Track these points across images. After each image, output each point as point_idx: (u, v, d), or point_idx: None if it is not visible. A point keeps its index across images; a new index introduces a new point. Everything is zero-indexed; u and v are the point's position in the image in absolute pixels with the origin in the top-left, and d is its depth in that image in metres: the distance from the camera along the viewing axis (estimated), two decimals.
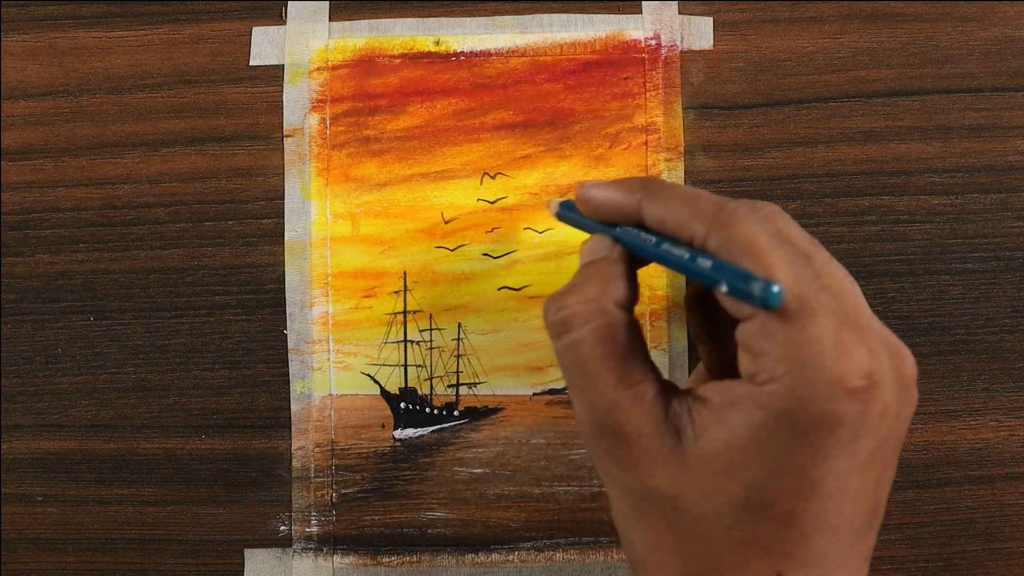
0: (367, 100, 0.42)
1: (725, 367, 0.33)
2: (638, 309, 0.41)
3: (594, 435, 0.30)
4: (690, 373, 0.40)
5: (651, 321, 0.41)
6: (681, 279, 0.41)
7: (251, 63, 0.42)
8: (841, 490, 0.27)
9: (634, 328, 0.31)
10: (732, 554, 0.28)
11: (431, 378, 0.42)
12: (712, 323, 0.33)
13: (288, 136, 0.42)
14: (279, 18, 0.43)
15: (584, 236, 0.34)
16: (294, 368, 0.42)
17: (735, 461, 0.28)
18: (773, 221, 0.30)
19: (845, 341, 0.27)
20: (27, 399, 0.42)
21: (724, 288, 0.28)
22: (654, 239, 0.31)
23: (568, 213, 0.35)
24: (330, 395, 0.42)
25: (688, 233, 0.30)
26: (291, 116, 0.42)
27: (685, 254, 0.29)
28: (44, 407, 0.42)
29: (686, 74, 0.42)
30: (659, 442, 0.29)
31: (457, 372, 0.42)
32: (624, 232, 0.32)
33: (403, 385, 0.42)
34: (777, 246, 0.28)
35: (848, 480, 0.27)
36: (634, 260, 0.32)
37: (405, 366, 0.42)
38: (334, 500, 0.41)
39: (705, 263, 0.29)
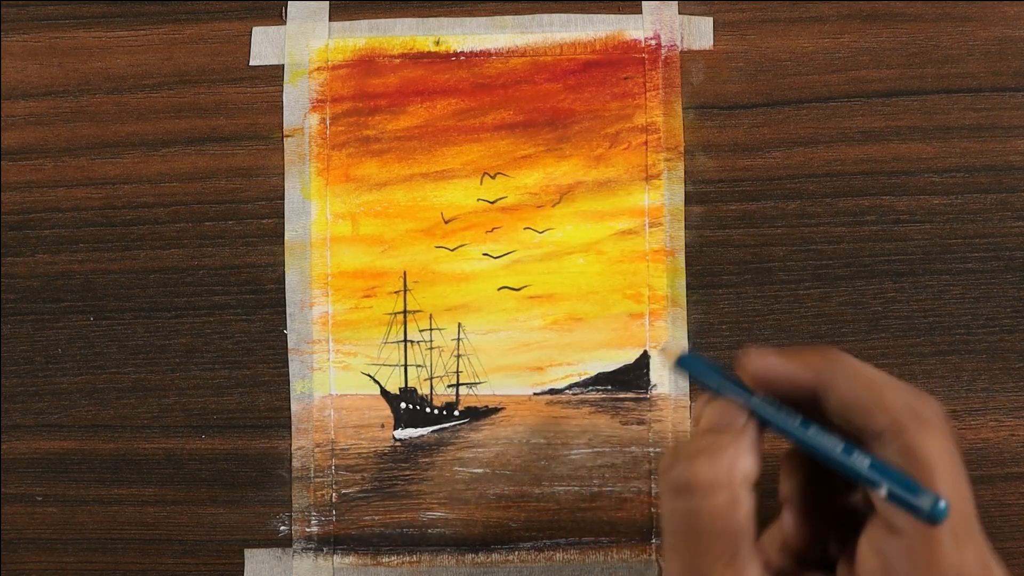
0: (367, 100, 0.42)
1: (810, 538, 0.31)
2: (638, 309, 0.41)
3: None
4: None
5: (651, 321, 0.41)
6: (680, 280, 0.41)
7: (251, 63, 0.42)
8: None
9: (752, 512, 0.29)
10: None
11: (431, 378, 0.42)
12: (809, 491, 0.31)
13: (288, 136, 0.42)
14: (279, 18, 0.43)
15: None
16: (294, 368, 0.42)
17: None
18: (950, 440, 0.28)
19: None
20: (27, 399, 0.42)
21: (883, 492, 0.27)
22: (799, 421, 0.29)
23: (693, 366, 0.32)
24: (330, 395, 0.42)
25: (867, 425, 0.28)
26: (291, 116, 0.42)
27: (838, 446, 0.28)
28: (44, 407, 0.42)
29: (686, 74, 0.42)
30: None
31: (457, 372, 0.42)
32: (761, 405, 0.30)
33: (403, 385, 0.42)
34: (955, 476, 0.27)
35: None
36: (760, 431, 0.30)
37: (405, 366, 0.42)
38: (334, 500, 0.41)
39: (863, 461, 0.27)
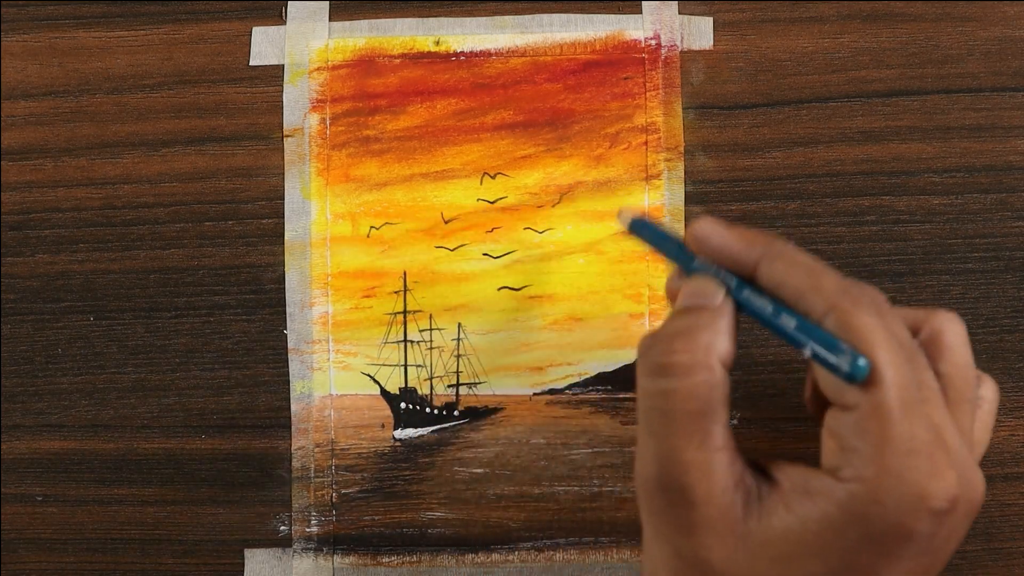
0: (367, 100, 0.42)
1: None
2: (638, 309, 0.41)
3: (655, 490, 0.29)
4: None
5: (651, 321, 0.41)
6: None
7: (251, 63, 0.42)
8: None
9: (727, 392, 0.30)
10: None
11: (431, 378, 0.42)
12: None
13: (288, 136, 0.42)
14: (279, 18, 0.43)
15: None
16: (294, 368, 0.42)
17: (797, 551, 0.27)
18: (888, 318, 0.29)
19: (938, 460, 0.27)
20: (27, 399, 0.42)
21: (808, 352, 0.28)
22: (735, 281, 0.30)
23: (645, 229, 0.33)
24: (330, 395, 0.42)
25: (804, 305, 0.29)
26: (291, 116, 0.42)
27: (768, 307, 0.29)
28: (44, 407, 0.42)
29: (686, 74, 0.42)
30: (724, 514, 0.28)
31: (457, 372, 0.42)
32: (728, 278, 0.31)
33: (403, 385, 0.42)
34: (894, 344, 0.27)
35: None
36: (737, 313, 0.31)
37: (405, 366, 0.42)
38: (334, 500, 0.41)
39: (789, 321, 0.29)
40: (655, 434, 0.29)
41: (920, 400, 0.27)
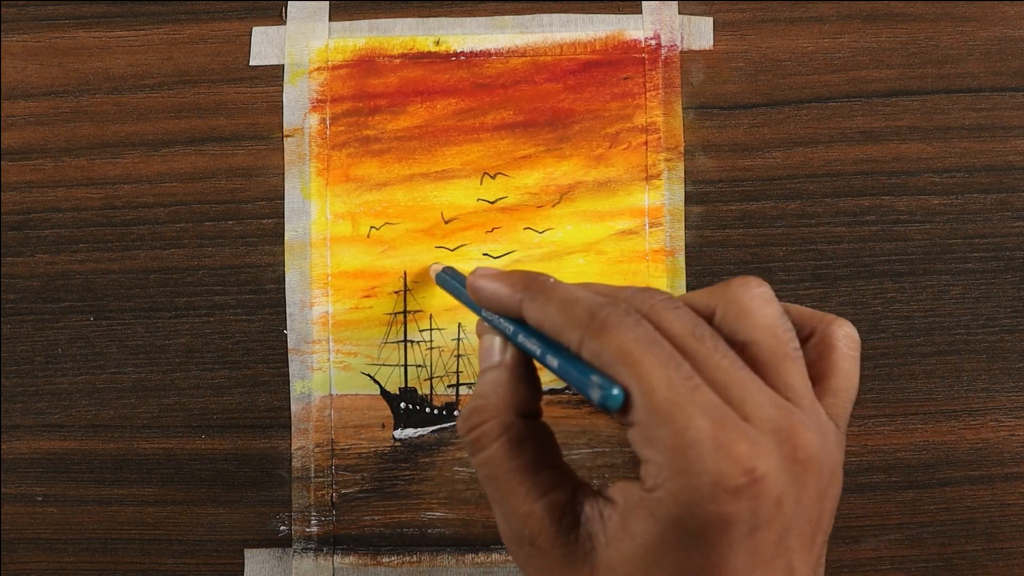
0: (367, 100, 0.42)
1: None
2: None
3: (513, 545, 0.30)
4: None
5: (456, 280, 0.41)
6: (680, 280, 0.41)
7: (251, 63, 0.42)
8: None
9: (542, 434, 0.31)
10: None
11: (431, 378, 0.42)
12: None
13: (288, 136, 0.42)
14: (279, 18, 0.43)
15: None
16: (294, 368, 0.42)
17: (639, 567, 0.28)
18: (650, 319, 0.29)
19: (723, 440, 0.26)
20: (27, 399, 0.42)
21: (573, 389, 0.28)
22: (511, 328, 0.31)
23: (449, 281, 0.35)
24: (330, 395, 0.42)
25: (565, 340, 0.29)
26: (291, 116, 0.42)
27: (537, 349, 0.30)
28: (44, 407, 0.42)
29: (686, 74, 0.42)
30: (571, 553, 0.29)
31: (457, 372, 0.42)
32: (514, 331, 0.31)
33: (403, 385, 0.42)
34: (647, 350, 0.27)
35: (751, 574, 0.27)
36: (529, 360, 0.32)
37: (405, 366, 0.42)
38: (334, 500, 0.41)
39: (552, 361, 0.29)
40: (494, 499, 0.31)
41: (691, 389, 0.27)
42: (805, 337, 0.31)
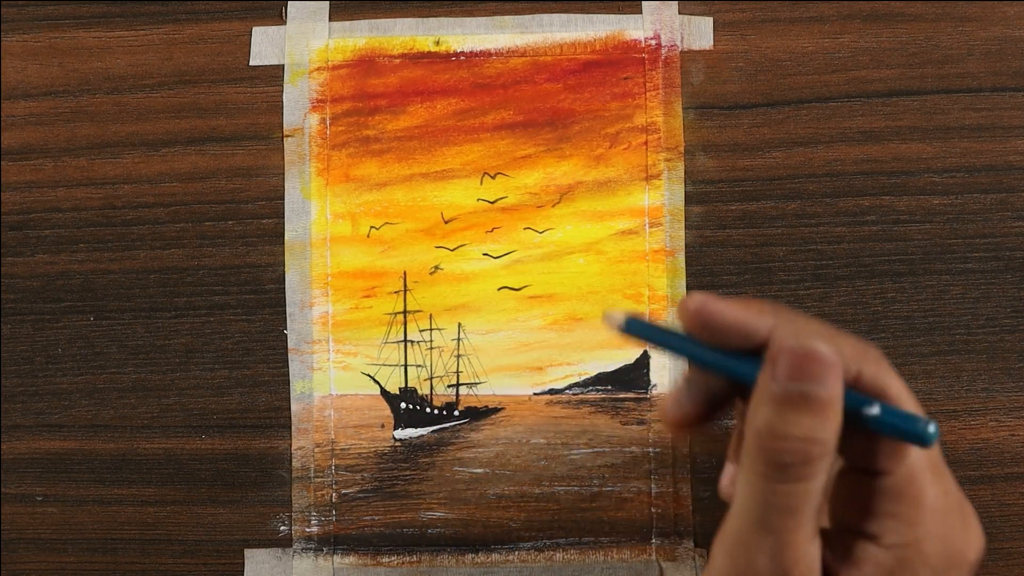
0: (367, 100, 0.42)
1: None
2: (638, 309, 0.41)
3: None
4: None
5: (651, 321, 0.41)
6: (680, 280, 0.41)
7: (251, 63, 0.42)
8: None
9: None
10: None
11: (431, 378, 0.42)
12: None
13: (288, 136, 0.42)
14: (279, 18, 0.43)
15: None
16: (294, 368, 0.42)
17: None
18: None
19: (966, 515, 0.28)
20: (27, 399, 0.42)
21: (876, 410, 0.27)
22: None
23: (642, 329, 0.31)
24: (330, 395, 0.42)
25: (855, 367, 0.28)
26: (291, 116, 0.42)
27: (875, 409, 0.27)
28: (44, 407, 0.42)
29: (686, 74, 0.42)
30: None
31: (457, 372, 0.42)
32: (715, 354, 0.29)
33: (403, 385, 0.42)
34: (913, 402, 0.28)
35: None
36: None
37: (405, 366, 0.42)
38: (334, 500, 0.41)
39: (873, 409, 0.27)
40: (774, 530, 0.27)
41: (940, 457, 0.28)
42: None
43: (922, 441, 0.27)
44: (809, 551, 0.27)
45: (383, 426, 0.42)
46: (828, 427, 0.26)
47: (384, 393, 0.42)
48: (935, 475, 0.28)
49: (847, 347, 0.28)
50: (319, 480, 0.41)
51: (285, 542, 0.41)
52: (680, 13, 0.42)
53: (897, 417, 0.27)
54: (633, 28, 0.42)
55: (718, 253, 0.41)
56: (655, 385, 0.41)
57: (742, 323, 0.28)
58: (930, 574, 0.27)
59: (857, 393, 0.27)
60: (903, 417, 0.27)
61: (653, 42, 0.42)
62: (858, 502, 0.28)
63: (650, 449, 0.41)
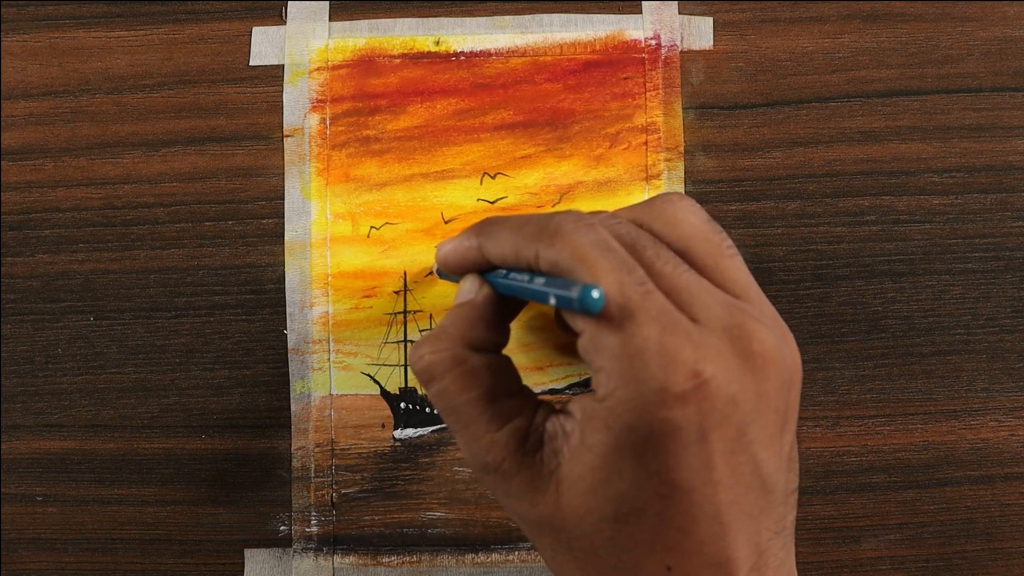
0: (367, 100, 0.42)
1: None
2: None
3: (479, 472, 0.31)
4: None
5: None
6: None
7: (251, 63, 0.42)
8: (707, 482, 0.27)
9: (500, 363, 0.31)
10: (621, 560, 0.28)
11: None
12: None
13: (288, 136, 0.42)
14: (279, 18, 0.43)
15: None
16: (294, 368, 0.42)
17: (599, 479, 0.28)
18: (602, 227, 0.29)
19: (669, 346, 0.27)
20: (27, 399, 0.42)
21: (552, 301, 0.28)
22: (503, 272, 0.32)
23: (441, 272, 0.35)
24: (330, 395, 0.42)
25: (524, 260, 0.30)
26: (291, 116, 0.42)
27: (525, 278, 0.30)
28: (44, 407, 0.42)
29: (686, 74, 0.42)
30: (536, 473, 0.29)
31: None
32: (491, 275, 0.32)
33: (403, 385, 0.42)
34: (602, 254, 0.28)
35: (712, 472, 0.27)
36: (507, 301, 0.32)
37: (405, 366, 0.42)
38: (334, 500, 0.41)
39: (539, 281, 0.29)
40: (455, 429, 0.31)
41: (642, 295, 0.28)
42: None
43: (583, 308, 0.27)
44: (495, 439, 0.30)
45: (383, 426, 0.42)
46: (433, 335, 0.31)
47: (384, 393, 0.42)
48: (625, 315, 0.27)
49: (529, 230, 0.30)
50: (319, 480, 0.41)
51: (285, 542, 0.41)
52: (680, 13, 0.42)
53: (556, 288, 0.28)
54: (633, 28, 0.42)
55: None
56: None
57: (460, 254, 0.33)
58: (635, 418, 0.27)
59: (547, 278, 0.29)
60: (560, 286, 0.28)
61: (653, 42, 0.42)
62: (589, 366, 0.29)
63: None
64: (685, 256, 0.30)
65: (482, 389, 0.30)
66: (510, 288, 0.31)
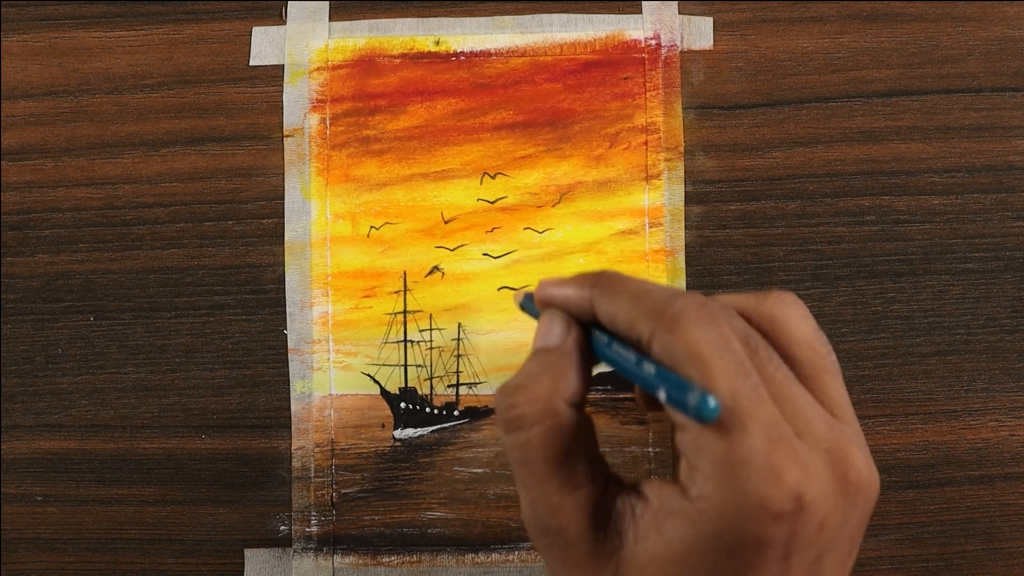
0: (367, 100, 0.42)
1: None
2: None
3: (537, 532, 0.30)
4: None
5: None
6: (680, 281, 0.41)
7: (251, 63, 0.42)
8: None
9: (584, 426, 0.30)
10: None
11: (431, 378, 0.42)
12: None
13: (288, 136, 0.42)
14: (279, 18, 0.43)
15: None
16: (294, 368, 0.42)
17: (670, 572, 0.27)
18: (720, 321, 0.28)
19: (775, 462, 0.26)
20: (27, 399, 0.42)
21: (663, 396, 0.27)
22: (606, 339, 0.30)
23: (529, 306, 0.33)
24: (330, 395, 0.42)
25: (636, 334, 0.29)
26: (291, 116, 0.42)
27: (632, 358, 0.28)
28: (44, 407, 0.42)
29: (686, 74, 0.42)
30: (598, 548, 0.29)
31: (457, 372, 0.42)
32: (609, 340, 0.30)
33: (403, 385, 0.42)
34: (720, 355, 0.27)
35: None
36: (589, 350, 0.31)
37: (405, 366, 0.42)
38: (334, 500, 0.41)
39: (649, 369, 0.28)
40: (523, 483, 0.30)
41: (755, 403, 0.27)
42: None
43: (698, 417, 0.26)
44: (564, 502, 0.29)
45: (383, 426, 0.42)
46: (528, 384, 0.29)
47: (384, 393, 0.42)
48: (736, 422, 0.26)
49: (650, 305, 0.28)
50: (319, 480, 0.41)
51: (285, 542, 0.41)
52: (680, 13, 0.42)
53: (670, 386, 0.27)
54: (633, 28, 0.42)
55: (718, 253, 0.41)
56: None
57: (572, 301, 0.31)
58: (727, 527, 0.26)
59: (658, 367, 0.28)
60: (675, 385, 0.27)
61: (653, 42, 0.42)
62: (682, 457, 0.28)
63: (650, 449, 0.41)
64: (789, 363, 0.29)
65: (563, 448, 0.29)
66: (614, 362, 0.29)
